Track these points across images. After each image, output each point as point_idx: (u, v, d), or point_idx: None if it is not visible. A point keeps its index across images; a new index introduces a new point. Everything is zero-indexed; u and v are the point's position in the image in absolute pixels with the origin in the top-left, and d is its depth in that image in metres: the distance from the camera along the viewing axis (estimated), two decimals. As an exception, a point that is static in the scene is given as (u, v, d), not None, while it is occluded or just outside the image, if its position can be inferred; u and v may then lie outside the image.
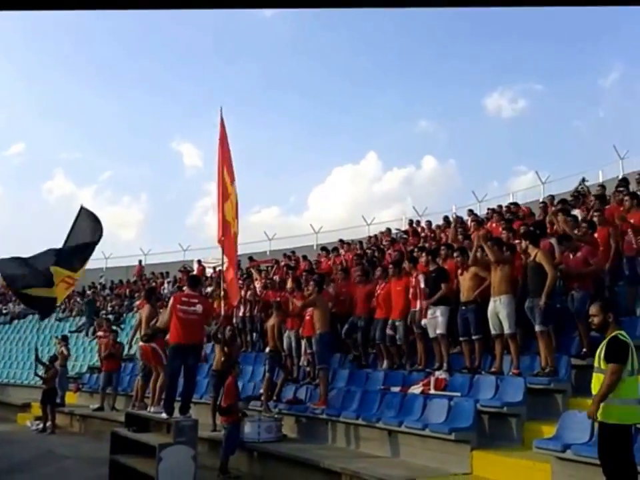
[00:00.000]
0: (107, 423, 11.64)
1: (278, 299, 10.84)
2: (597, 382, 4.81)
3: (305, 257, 16.35)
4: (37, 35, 54.17)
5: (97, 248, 9.76)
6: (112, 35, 54.71)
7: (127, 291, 22.82)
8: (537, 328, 7.21)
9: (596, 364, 4.88)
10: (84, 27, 56.66)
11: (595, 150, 43.13)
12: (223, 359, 9.49)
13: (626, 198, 8.85)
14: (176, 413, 7.46)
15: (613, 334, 4.85)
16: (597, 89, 46.27)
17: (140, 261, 27.39)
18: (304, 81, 55.07)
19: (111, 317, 19.57)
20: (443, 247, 9.54)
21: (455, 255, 8.55)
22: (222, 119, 9.76)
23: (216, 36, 55.52)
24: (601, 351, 4.83)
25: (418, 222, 18.34)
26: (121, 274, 27.04)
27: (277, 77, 54.41)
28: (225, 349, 9.49)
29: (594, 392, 4.84)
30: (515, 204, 14.04)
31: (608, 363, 4.70)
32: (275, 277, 13.35)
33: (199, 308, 7.44)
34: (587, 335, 7.23)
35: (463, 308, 8.10)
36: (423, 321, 8.53)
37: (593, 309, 5.09)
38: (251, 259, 17.80)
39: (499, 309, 7.57)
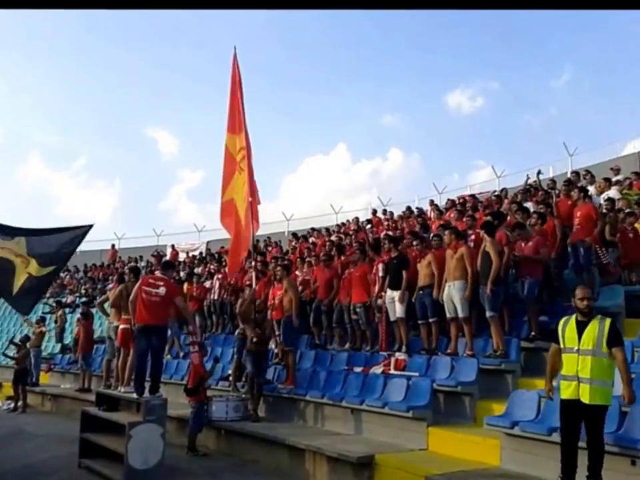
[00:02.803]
0: (77, 402, 11.36)
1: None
2: (597, 365, 4.54)
3: (276, 243, 16.45)
4: (19, 15, 52.09)
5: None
6: (90, 20, 52.96)
7: (100, 274, 22.33)
8: (487, 314, 7.29)
9: (590, 347, 4.57)
10: (64, 11, 54.74)
11: (546, 147, 44.30)
12: (255, 339, 8.73)
13: (574, 191, 8.99)
14: (146, 393, 7.30)
15: (607, 319, 4.67)
16: (550, 90, 47.21)
17: (113, 245, 26.80)
18: (278, 72, 54.54)
19: (84, 299, 19.14)
20: (407, 235, 9.56)
21: (415, 243, 8.56)
22: (235, 59, 8.20)
23: (188, 24, 54.26)
24: (599, 334, 4.57)
25: (385, 211, 18.32)
26: (94, 257, 26.42)
27: (250, 66, 53.54)
28: (257, 329, 8.84)
29: (589, 376, 4.55)
30: (473, 196, 14.33)
31: (613, 347, 4.51)
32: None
33: (161, 290, 7.27)
34: (535, 320, 7.35)
35: (420, 292, 8.13)
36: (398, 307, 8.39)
37: (586, 293, 4.75)
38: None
39: (453, 293, 7.60)
